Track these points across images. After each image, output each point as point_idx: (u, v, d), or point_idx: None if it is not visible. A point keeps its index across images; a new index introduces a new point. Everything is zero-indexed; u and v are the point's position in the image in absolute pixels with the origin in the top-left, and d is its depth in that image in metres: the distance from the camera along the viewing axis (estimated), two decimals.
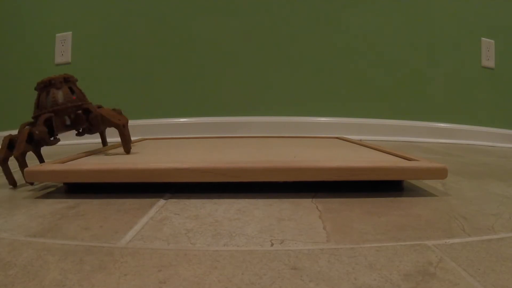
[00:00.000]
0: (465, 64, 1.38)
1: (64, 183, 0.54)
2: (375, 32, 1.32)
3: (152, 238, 0.33)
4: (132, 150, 0.68)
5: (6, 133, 1.38)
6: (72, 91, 0.63)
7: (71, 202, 0.45)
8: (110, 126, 0.63)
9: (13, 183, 0.56)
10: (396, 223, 0.37)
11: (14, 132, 1.35)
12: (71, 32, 1.33)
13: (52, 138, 0.60)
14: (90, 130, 0.64)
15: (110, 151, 0.66)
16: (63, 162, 0.52)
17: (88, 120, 0.62)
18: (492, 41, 1.40)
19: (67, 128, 0.62)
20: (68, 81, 0.63)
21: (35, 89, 0.63)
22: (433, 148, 1.16)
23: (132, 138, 1.27)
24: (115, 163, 0.49)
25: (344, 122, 1.32)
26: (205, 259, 0.28)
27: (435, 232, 0.34)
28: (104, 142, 0.77)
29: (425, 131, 1.34)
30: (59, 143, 1.35)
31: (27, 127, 0.58)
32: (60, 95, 0.61)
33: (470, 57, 1.38)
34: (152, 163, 0.48)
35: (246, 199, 0.46)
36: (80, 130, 0.65)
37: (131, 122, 1.30)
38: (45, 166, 0.48)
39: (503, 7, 1.40)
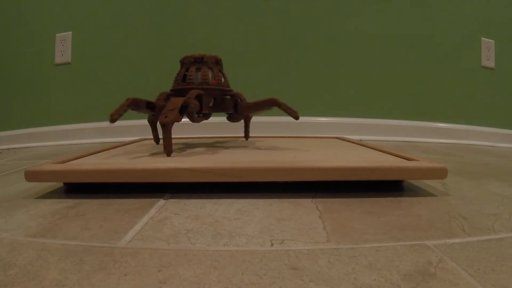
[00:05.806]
0: (465, 64, 1.38)
1: (64, 183, 0.54)
2: (375, 32, 1.32)
3: (152, 238, 0.33)
4: (132, 150, 0.68)
5: (6, 133, 1.39)
6: (222, 74, 0.62)
7: (71, 202, 0.45)
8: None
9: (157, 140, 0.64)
10: (396, 223, 0.37)
11: (15, 132, 1.36)
12: (71, 32, 1.33)
13: (197, 116, 0.59)
14: (234, 118, 0.65)
15: (111, 151, 0.66)
16: (63, 162, 0.52)
17: (235, 107, 0.61)
18: (492, 41, 1.40)
19: (210, 109, 0.61)
20: (218, 64, 0.62)
21: (181, 61, 0.61)
22: (433, 148, 1.16)
23: (132, 138, 1.27)
24: (115, 163, 0.49)
25: (344, 122, 1.32)
26: (205, 259, 0.28)
27: (435, 232, 0.34)
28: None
29: (425, 131, 1.34)
30: (59, 142, 1.35)
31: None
32: (211, 75, 0.60)
33: (470, 57, 1.38)
34: (152, 163, 0.48)
35: (246, 199, 0.46)
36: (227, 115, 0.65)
37: (131, 122, 1.30)
38: (45, 166, 0.48)
39: (503, 8, 1.40)
